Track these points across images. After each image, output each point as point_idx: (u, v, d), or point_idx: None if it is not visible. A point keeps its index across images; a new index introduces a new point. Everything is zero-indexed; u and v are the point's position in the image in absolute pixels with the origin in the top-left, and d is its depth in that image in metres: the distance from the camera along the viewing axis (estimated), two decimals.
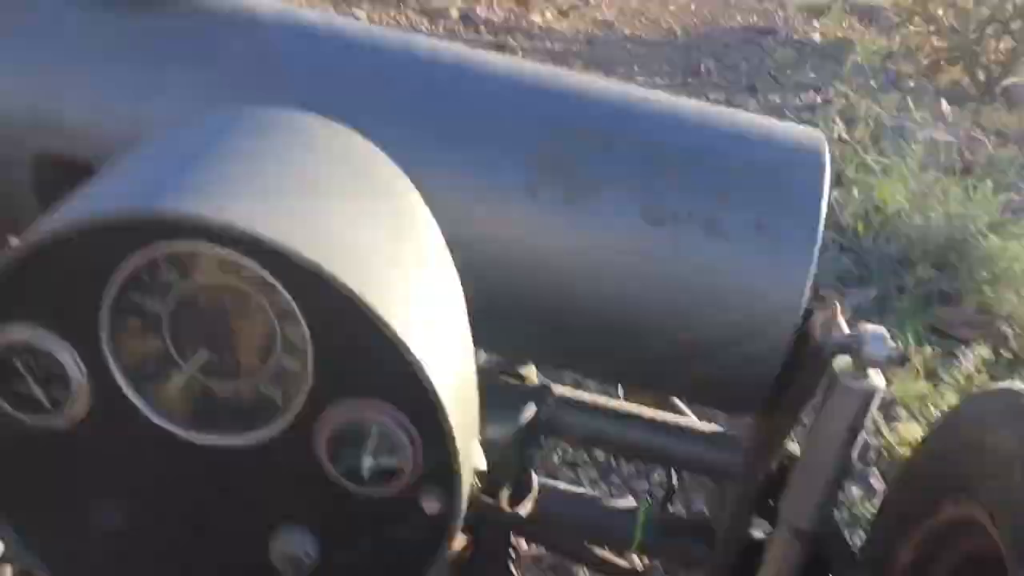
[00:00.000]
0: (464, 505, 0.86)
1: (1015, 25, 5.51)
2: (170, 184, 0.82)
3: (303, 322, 0.79)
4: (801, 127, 1.16)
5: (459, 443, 0.82)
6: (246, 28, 1.07)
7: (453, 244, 0.95)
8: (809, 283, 1.02)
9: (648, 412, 1.32)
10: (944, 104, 4.93)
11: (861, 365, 1.02)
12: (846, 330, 1.04)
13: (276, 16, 1.10)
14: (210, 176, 0.83)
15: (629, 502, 1.41)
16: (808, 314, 1.07)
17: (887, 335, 1.03)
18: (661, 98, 1.14)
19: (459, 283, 0.93)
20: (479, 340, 0.96)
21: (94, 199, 0.84)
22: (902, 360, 1.08)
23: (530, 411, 1.23)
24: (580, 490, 1.55)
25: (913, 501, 1.16)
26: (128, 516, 0.91)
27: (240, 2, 1.10)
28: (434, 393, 0.78)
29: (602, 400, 1.33)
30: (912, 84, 5.52)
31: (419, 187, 0.96)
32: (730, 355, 1.05)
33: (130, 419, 0.84)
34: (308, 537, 0.88)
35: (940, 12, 5.89)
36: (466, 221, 1.01)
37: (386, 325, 0.76)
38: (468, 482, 0.86)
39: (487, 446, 1.00)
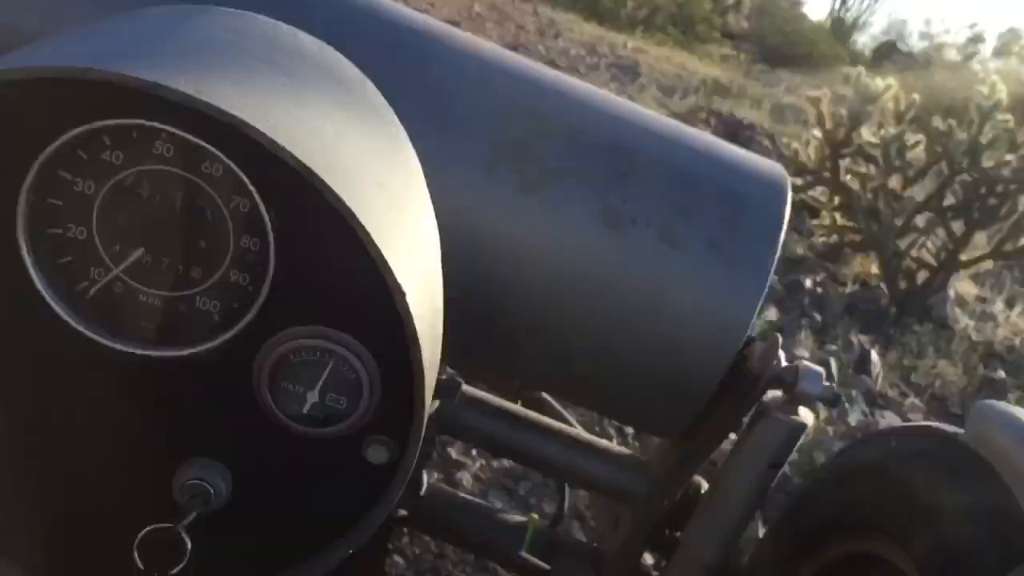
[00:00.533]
0: (415, 458, 0.78)
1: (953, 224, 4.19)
2: (130, 53, 0.73)
3: (268, 227, 0.70)
4: (767, 161, 1.17)
5: (425, 389, 0.74)
6: None
7: None
8: (757, 309, 1.02)
9: (558, 426, 1.29)
10: (859, 338, 3.89)
11: (793, 400, 1.02)
12: (784, 363, 1.04)
13: None
14: (189, 60, 0.73)
15: (521, 517, 1.39)
16: (749, 341, 1.06)
17: (823, 373, 1.03)
18: (633, 106, 1.14)
19: (435, 221, 0.87)
20: None
21: (41, 55, 0.72)
22: (836, 400, 1.06)
23: (432, 406, 1.14)
24: (472, 499, 1.48)
25: (804, 535, 1.18)
26: (33, 427, 0.80)
27: None
28: (412, 329, 0.71)
29: (512, 407, 1.29)
30: (810, 285, 4.40)
31: None
32: (666, 371, 1.04)
33: (43, 320, 0.74)
34: (220, 471, 0.78)
35: (852, 182, 4.65)
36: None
37: (371, 242, 0.68)
38: (422, 433, 0.78)
39: None
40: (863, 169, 4.87)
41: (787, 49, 25.31)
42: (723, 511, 1.07)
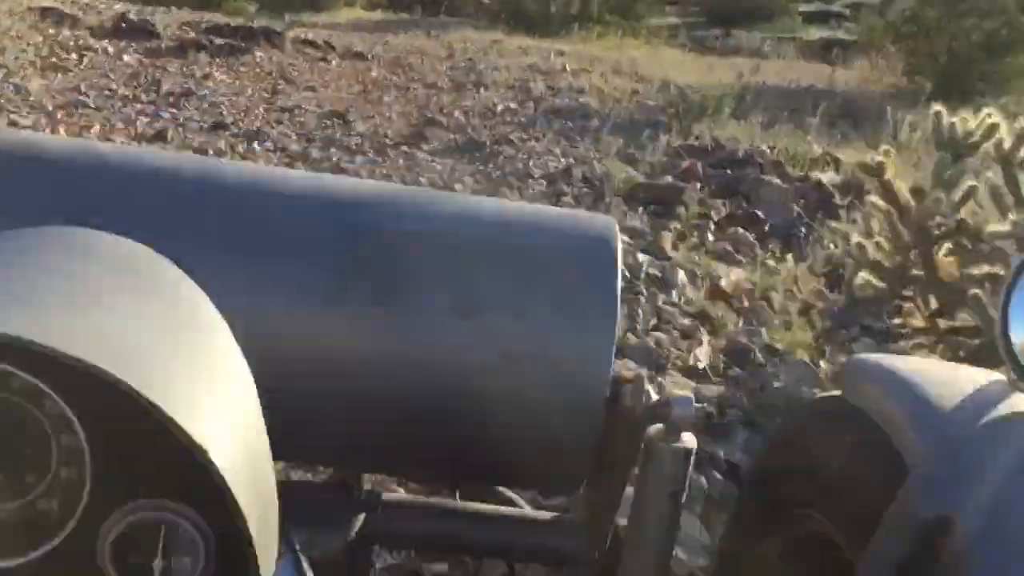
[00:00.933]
0: None
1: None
2: None
3: (78, 427, 0.75)
4: (590, 214, 1.27)
5: (256, 537, 0.74)
6: (39, 156, 1.13)
7: (261, 354, 0.88)
8: (612, 355, 1.09)
9: (482, 507, 1.33)
10: None
11: (673, 429, 1.06)
12: (655, 396, 1.10)
13: (67, 145, 1.24)
14: None
15: None
16: (617, 386, 1.12)
17: (692, 396, 1.08)
18: (459, 199, 1.38)
19: (251, 382, 0.86)
20: (295, 451, 1.12)
21: None
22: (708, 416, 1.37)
23: (359, 522, 1.21)
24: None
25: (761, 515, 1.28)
26: None
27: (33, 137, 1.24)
28: (223, 481, 0.71)
29: (434, 501, 1.39)
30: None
31: (223, 300, 0.90)
32: (546, 435, 1.09)
33: None
34: None
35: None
36: (273, 330, 1.02)
37: (166, 416, 0.69)
38: None
39: (318, 564, 1.01)
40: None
41: (733, 4, 23.59)
42: (643, 548, 1.11)
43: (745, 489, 1.36)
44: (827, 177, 6.12)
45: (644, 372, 1.30)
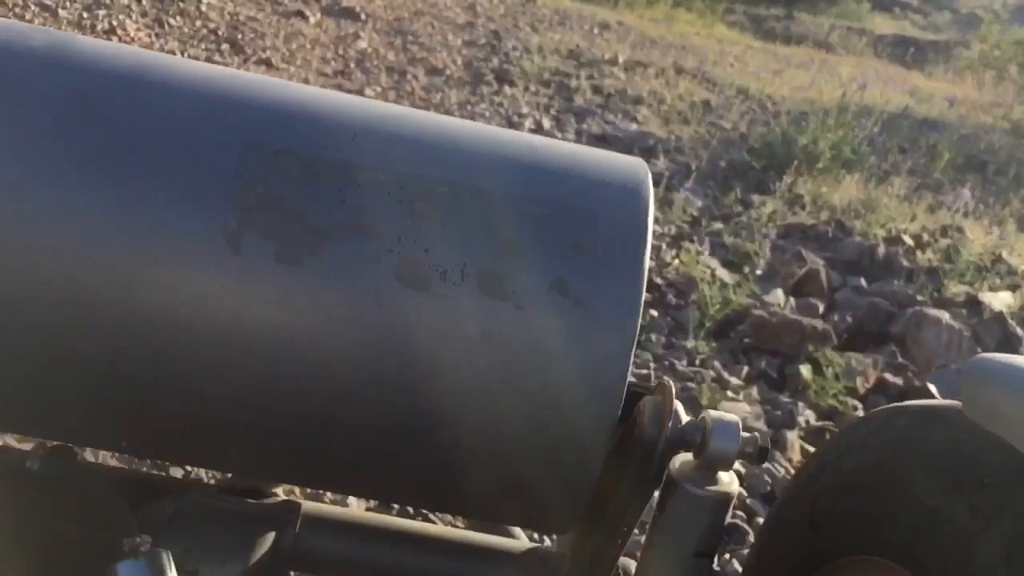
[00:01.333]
0: None
1: None
2: None
3: None
4: (620, 156, 0.91)
5: None
6: None
7: (126, 318, 0.71)
8: (630, 360, 0.78)
9: (436, 530, 1.05)
10: None
11: (708, 465, 0.81)
12: (684, 418, 0.84)
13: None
14: None
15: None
16: (634, 398, 0.85)
17: (739, 422, 0.81)
18: (428, 118, 0.87)
19: None
20: (185, 456, 0.87)
21: None
22: (762, 454, 0.83)
23: (268, 539, 0.92)
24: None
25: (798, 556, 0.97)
26: None
27: None
28: None
29: (372, 519, 1.03)
30: None
31: (68, 231, 0.70)
32: (534, 454, 0.80)
33: None
34: None
35: None
36: (146, 286, 0.74)
37: None
38: None
39: None
40: None
41: None
42: None
43: (776, 518, 0.98)
44: (1002, 301, 4.06)
45: (672, 384, 0.80)
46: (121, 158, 0.75)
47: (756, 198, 4.67)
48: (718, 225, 4.22)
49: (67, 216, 0.72)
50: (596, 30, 9.61)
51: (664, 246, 3.90)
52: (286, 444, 0.82)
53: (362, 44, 6.09)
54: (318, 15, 6.55)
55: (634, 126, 5.54)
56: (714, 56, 10.01)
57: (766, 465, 2.35)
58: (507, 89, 5.75)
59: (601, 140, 5.07)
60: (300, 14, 6.39)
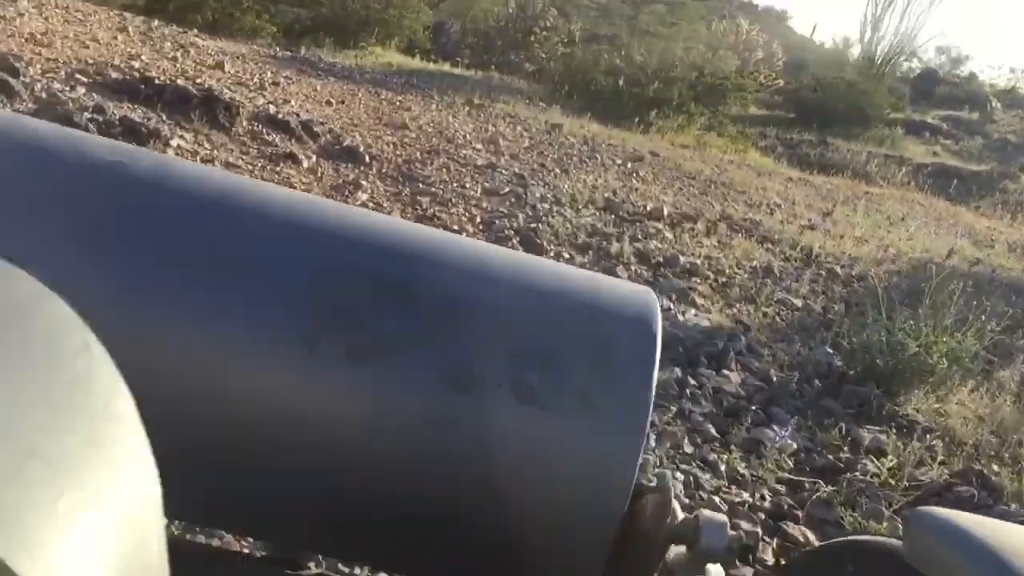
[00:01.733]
0: None
1: None
2: None
3: None
4: (631, 285, 1.04)
5: None
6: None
7: (206, 409, 0.84)
8: (638, 460, 0.89)
9: None
10: None
11: (700, 558, 0.91)
12: (680, 515, 0.95)
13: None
14: None
15: None
16: (637, 495, 0.96)
17: (726, 522, 0.92)
18: (471, 246, 1.02)
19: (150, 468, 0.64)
20: (243, 525, 0.96)
21: None
22: (744, 552, 0.98)
23: None
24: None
25: None
26: None
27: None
28: None
29: None
30: None
31: (162, 335, 0.83)
32: (546, 546, 0.91)
33: None
34: None
35: None
36: (225, 382, 0.86)
37: None
38: None
39: None
40: None
41: (825, 105, 20.49)
42: None
43: None
44: None
45: (672, 484, 0.92)
46: (220, 274, 0.86)
47: (865, 433, 3.54)
48: (827, 489, 3.06)
49: (176, 322, 0.83)
50: (629, 165, 8.68)
51: (759, 529, 2.74)
52: (338, 523, 0.91)
53: (362, 195, 5.08)
54: (313, 158, 5.56)
55: (693, 313, 4.45)
56: (757, 195, 9.05)
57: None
58: None
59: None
60: (291, 157, 5.40)
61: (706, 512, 0.91)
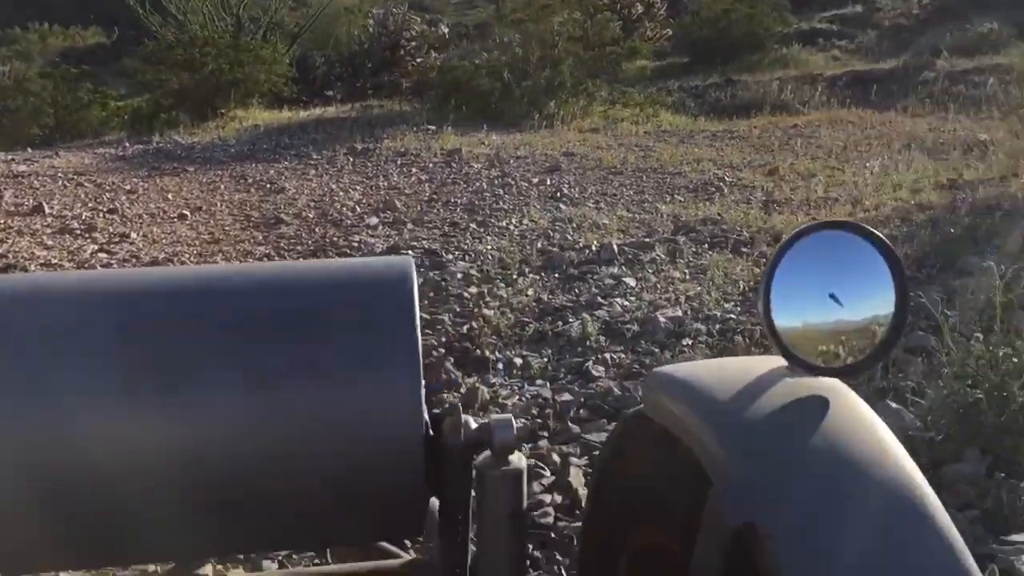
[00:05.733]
0: None
1: None
2: None
3: None
4: (384, 259, 1.18)
5: None
6: None
7: (48, 463, 0.96)
8: (422, 394, 1.04)
9: (335, 569, 1.39)
10: None
11: (501, 452, 1.07)
12: (474, 425, 1.09)
13: None
14: None
15: None
16: (437, 420, 1.10)
17: (511, 417, 1.10)
18: (243, 269, 1.24)
19: None
20: (121, 554, 1.11)
21: None
22: (530, 435, 1.33)
23: None
24: None
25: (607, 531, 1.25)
26: None
27: None
28: None
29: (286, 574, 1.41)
30: None
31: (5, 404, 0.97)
32: (373, 486, 1.06)
33: None
34: None
35: None
36: (60, 438, 0.98)
37: None
38: None
39: None
40: None
41: (715, 38, 19.58)
42: (494, 571, 1.12)
43: (587, 510, 1.37)
44: None
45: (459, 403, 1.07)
46: (38, 348, 1.00)
47: None
48: None
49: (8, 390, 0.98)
50: (548, 182, 7.54)
51: None
52: (194, 525, 1.04)
53: None
54: None
55: None
56: (694, 173, 7.99)
57: None
58: (477, 383, 3.50)
59: None
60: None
61: (494, 415, 1.09)
